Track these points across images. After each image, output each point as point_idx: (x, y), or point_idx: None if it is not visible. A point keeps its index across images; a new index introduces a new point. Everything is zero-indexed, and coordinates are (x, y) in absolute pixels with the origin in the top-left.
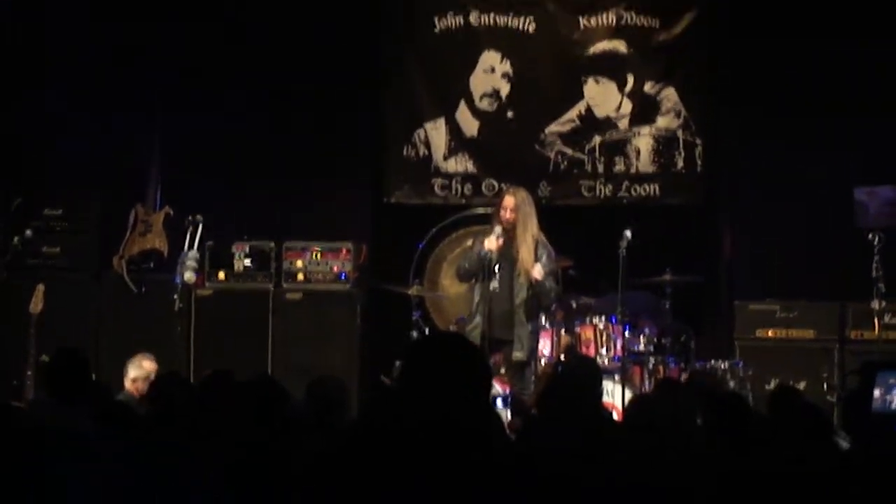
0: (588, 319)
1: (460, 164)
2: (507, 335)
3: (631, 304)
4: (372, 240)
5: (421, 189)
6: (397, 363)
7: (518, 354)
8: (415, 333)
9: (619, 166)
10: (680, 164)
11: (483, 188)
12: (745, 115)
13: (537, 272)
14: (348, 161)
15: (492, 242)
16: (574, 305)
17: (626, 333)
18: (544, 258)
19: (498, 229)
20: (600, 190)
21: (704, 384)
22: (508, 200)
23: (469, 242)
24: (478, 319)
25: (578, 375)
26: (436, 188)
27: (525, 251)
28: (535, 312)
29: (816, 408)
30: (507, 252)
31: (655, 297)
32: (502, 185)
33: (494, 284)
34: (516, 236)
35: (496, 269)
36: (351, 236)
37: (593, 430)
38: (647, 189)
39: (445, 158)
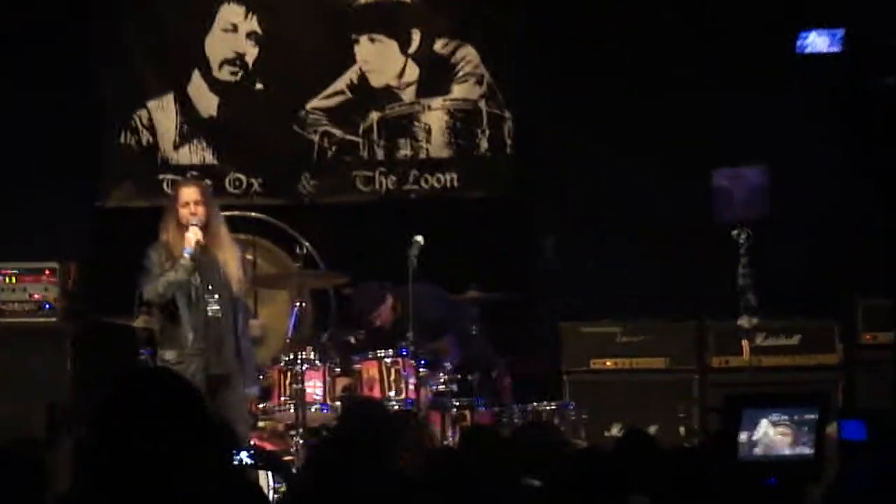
0: (371, 353)
1: (195, 153)
2: (227, 368)
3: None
4: (84, 257)
5: (146, 188)
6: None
7: (254, 391)
8: None
9: (405, 150)
10: (484, 145)
11: (227, 184)
12: (567, 82)
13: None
14: (51, 156)
15: (196, 233)
16: (353, 340)
17: (422, 370)
18: (247, 271)
19: (194, 220)
20: (381, 182)
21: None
22: (189, 192)
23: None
24: (193, 357)
25: (363, 426)
26: (165, 186)
27: (230, 257)
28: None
29: (678, 456)
30: (209, 263)
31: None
32: (252, 180)
33: (215, 307)
34: (211, 238)
35: (209, 288)
36: (55, 253)
37: (386, 496)
38: (442, 179)
39: (176, 147)
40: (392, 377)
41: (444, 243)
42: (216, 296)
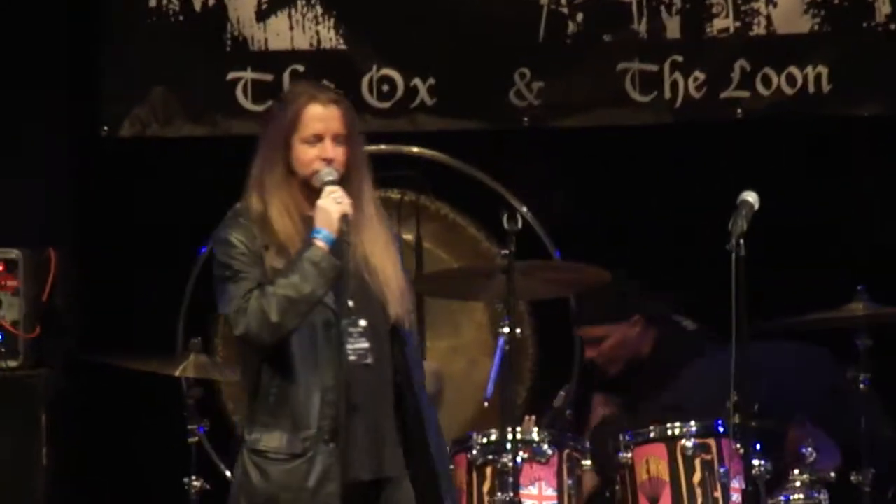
0: (655, 431)
1: (301, 27)
2: (389, 467)
3: (773, 379)
4: (76, 240)
5: (200, 99)
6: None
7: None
8: (193, 482)
9: (722, 21)
10: (884, 8)
11: (365, 89)
12: None
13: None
14: (12, 51)
15: (342, 202)
16: (604, 408)
17: (759, 463)
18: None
19: (329, 172)
20: (677, 84)
21: None
22: (324, 114)
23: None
24: (319, 447)
25: None
26: (242, 96)
27: (384, 247)
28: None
29: None
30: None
31: (832, 362)
32: (416, 81)
33: (360, 345)
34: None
35: (349, 307)
36: (18, 233)
37: None
38: (799, 78)
39: (262, 16)
40: (696, 477)
41: (802, 204)
42: (361, 323)
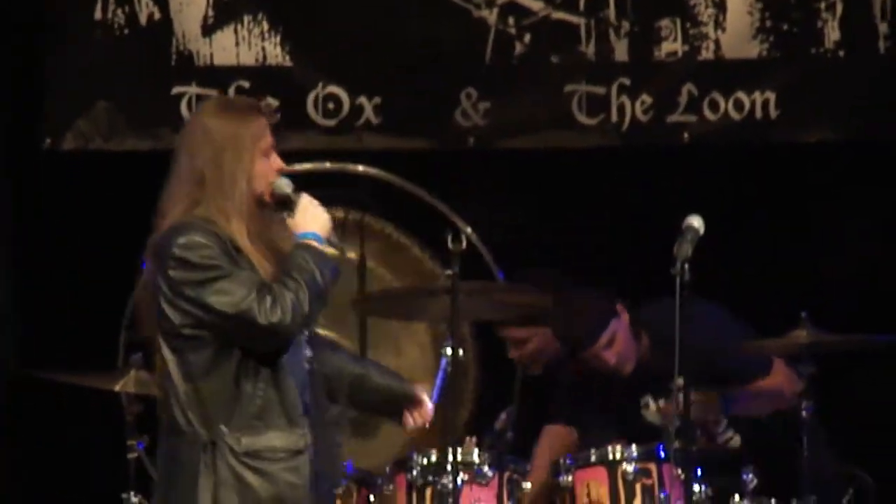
0: (596, 455)
1: (248, 44)
2: (334, 462)
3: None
4: (16, 252)
5: (144, 113)
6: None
7: None
8: (132, 497)
9: (670, 44)
10: (832, 35)
11: (311, 107)
12: None
13: None
14: None
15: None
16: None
17: (699, 488)
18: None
19: (282, 181)
20: (624, 108)
21: None
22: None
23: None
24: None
25: None
26: (186, 110)
27: None
28: None
29: None
30: None
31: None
32: (361, 100)
33: (307, 352)
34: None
35: None
36: None
37: None
38: (746, 103)
39: (208, 31)
40: (636, 502)
41: (748, 229)
42: (305, 331)
